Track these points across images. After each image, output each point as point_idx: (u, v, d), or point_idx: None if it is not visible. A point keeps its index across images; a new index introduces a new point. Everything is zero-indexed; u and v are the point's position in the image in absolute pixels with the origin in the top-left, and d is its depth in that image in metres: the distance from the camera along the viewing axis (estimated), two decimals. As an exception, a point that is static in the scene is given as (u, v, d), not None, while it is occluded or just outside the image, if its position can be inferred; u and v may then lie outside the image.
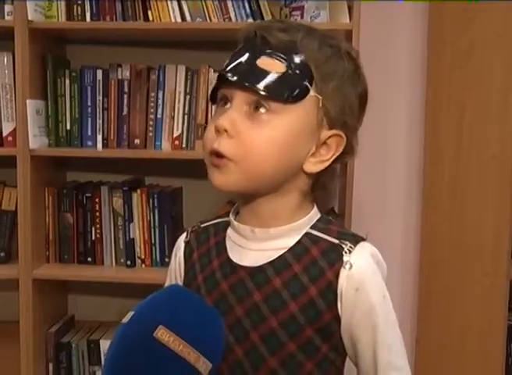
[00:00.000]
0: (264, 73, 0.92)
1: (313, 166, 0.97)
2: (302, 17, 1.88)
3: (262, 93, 0.91)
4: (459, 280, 2.00)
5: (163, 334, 0.85)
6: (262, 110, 0.92)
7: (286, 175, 0.96)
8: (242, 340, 0.95)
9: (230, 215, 1.04)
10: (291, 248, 0.96)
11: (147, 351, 0.85)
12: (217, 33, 1.90)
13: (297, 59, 0.93)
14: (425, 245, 2.10)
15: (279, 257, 0.96)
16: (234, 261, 0.99)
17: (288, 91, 0.92)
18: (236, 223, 1.02)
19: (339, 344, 0.97)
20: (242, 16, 1.90)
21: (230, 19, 1.89)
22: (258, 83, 0.91)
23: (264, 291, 0.95)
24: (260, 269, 0.96)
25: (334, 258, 0.94)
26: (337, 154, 0.97)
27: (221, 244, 1.03)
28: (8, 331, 2.03)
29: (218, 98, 0.98)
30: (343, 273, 0.93)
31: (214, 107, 1.01)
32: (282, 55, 0.93)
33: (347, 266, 0.93)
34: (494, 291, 1.92)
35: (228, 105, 0.94)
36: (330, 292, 0.94)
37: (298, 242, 0.97)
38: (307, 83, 0.93)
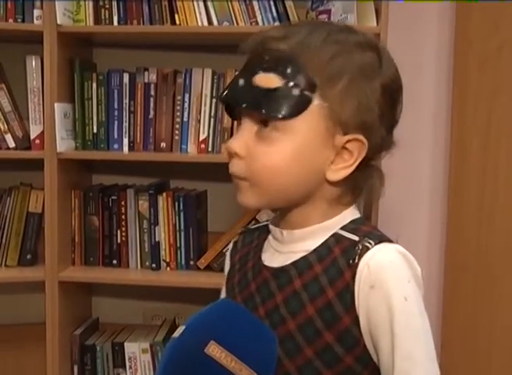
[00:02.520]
0: (261, 91, 0.89)
1: (335, 173, 0.92)
2: (329, 20, 1.87)
3: (262, 113, 0.89)
4: (486, 283, 1.98)
5: (214, 350, 0.84)
6: (269, 128, 0.90)
7: (307, 187, 0.94)
8: None
9: (269, 219, 1.05)
10: (316, 249, 0.94)
11: (198, 366, 0.84)
12: (244, 37, 1.89)
13: (293, 68, 0.89)
14: (451, 248, 2.07)
15: (302, 258, 0.94)
16: (263, 262, 0.99)
17: (287, 106, 0.88)
18: (271, 226, 1.01)
19: (364, 355, 0.90)
20: (269, 19, 1.89)
21: (257, 22, 1.89)
22: (256, 102, 0.89)
23: (285, 293, 0.93)
24: (282, 269, 0.95)
25: (352, 256, 0.89)
26: (360, 158, 0.92)
27: (259, 245, 1.03)
28: (34, 333, 2.04)
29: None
30: (359, 271, 0.88)
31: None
32: (277, 68, 0.89)
33: (363, 263, 0.88)
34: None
35: (241, 123, 0.95)
36: (348, 293, 0.88)
37: (324, 243, 0.94)
38: (308, 93, 0.89)
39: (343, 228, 0.95)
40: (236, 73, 1.92)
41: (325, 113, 0.90)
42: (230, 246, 1.12)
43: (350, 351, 0.90)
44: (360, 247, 0.89)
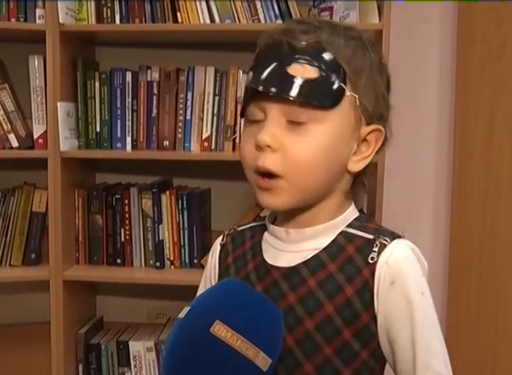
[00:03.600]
0: (298, 81, 0.89)
1: (356, 164, 0.96)
2: (331, 18, 1.87)
3: (300, 102, 0.89)
4: (490, 280, 1.98)
5: (220, 330, 0.83)
6: (302, 120, 0.90)
7: (333, 180, 0.95)
8: None
9: (267, 218, 1.03)
10: (326, 248, 0.94)
11: (204, 347, 0.83)
12: (246, 35, 1.89)
13: (327, 60, 0.91)
14: (456, 244, 2.07)
15: (313, 257, 0.94)
16: (269, 262, 0.98)
17: (325, 95, 0.90)
18: (271, 225, 1.01)
19: (377, 349, 0.93)
20: (271, 17, 1.89)
21: (259, 20, 1.89)
22: (294, 92, 0.89)
23: (299, 292, 0.93)
24: (294, 269, 0.94)
25: (369, 254, 0.91)
26: (377, 148, 0.97)
27: (257, 246, 1.02)
28: (39, 332, 2.04)
29: (248, 112, 0.95)
30: (378, 268, 0.90)
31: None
32: (312, 59, 0.90)
33: (382, 260, 0.90)
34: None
35: (261, 119, 0.92)
36: (367, 291, 0.90)
37: (333, 241, 0.95)
38: (342, 84, 0.91)
39: (349, 226, 0.96)
40: (239, 70, 1.94)
41: (354, 104, 0.93)
42: (217, 248, 1.09)
43: (366, 346, 0.92)
44: (378, 244, 0.91)
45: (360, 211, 1.04)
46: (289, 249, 0.97)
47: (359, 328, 0.91)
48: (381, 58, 0.99)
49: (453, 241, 2.08)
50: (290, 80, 0.90)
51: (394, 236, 0.93)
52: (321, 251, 0.94)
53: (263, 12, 1.89)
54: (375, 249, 0.91)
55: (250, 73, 0.94)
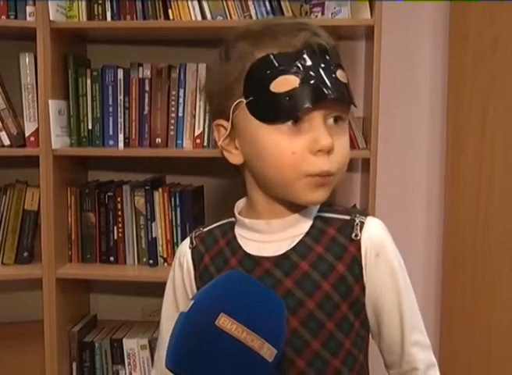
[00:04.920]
0: (345, 86, 0.96)
1: None
2: (323, 14, 1.87)
3: (353, 106, 0.97)
4: (484, 277, 1.98)
5: (225, 322, 0.83)
6: (342, 121, 0.97)
7: None
8: None
9: (236, 215, 1.06)
10: (308, 232, 1.00)
11: (209, 340, 0.84)
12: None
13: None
14: (449, 242, 2.08)
15: (299, 242, 1.00)
16: (255, 255, 1.01)
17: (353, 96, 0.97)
18: (246, 220, 1.03)
19: (366, 319, 1.02)
20: (262, 13, 1.89)
21: (251, 16, 1.89)
22: (350, 97, 0.96)
23: (295, 276, 0.98)
24: (284, 256, 0.99)
25: (351, 232, 0.99)
26: None
27: (233, 242, 1.04)
28: (32, 330, 2.03)
29: (289, 117, 0.93)
30: (364, 243, 0.99)
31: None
32: (341, 63, 0.97)
33: (365, 236, 0.99)
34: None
35: (298, 124, 0.93)
36: (356, 265, 0.98)
37: (312, 226, 1.01)
38: None
39: (320, 211, 1.02)
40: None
41: None
42: (186, 253, 1.09)
43: (358, 316, 1.00)
44: (359, 223, 1.00)
45: (354, 206, 1.07)
46: (270, 239, 1.01)
47: (353, 300, 0.99)
48: None
49: (447, 235, 2.09)
50: (341, 84, 0.95)
51: (366, 214, 1.03)
52: (304, 237, 1.00)
53: (254, 8, 1.89)
54: (357, 227, 1.00)
55: (292, 77, 0.92)
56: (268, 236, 1.01)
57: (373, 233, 1.00)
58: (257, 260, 1.00)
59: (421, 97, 2.14)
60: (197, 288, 1.06)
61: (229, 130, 0.99)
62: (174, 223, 2.02)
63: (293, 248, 0.99)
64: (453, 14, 2.04)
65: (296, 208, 1.00)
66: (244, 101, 0.95)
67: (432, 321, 2.11)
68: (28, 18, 1.90)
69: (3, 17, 1.91)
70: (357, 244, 0.99)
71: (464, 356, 2.02)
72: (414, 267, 1.01)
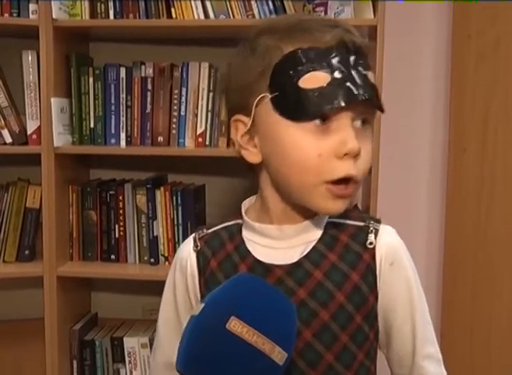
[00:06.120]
0: (375, 88, 0.91)
1: None
2: (326, 13, 1.87)
3: (382, 108, 0.92)
4: (485, 276, 1.98)
5: (235, 325, 0.82)
6: (367, 124, 0.92)
7: None
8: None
9: (245, 217, 1.02)
10: (320, 239, 0.96)
11: (220, 343, 0.83)
12: (240, 30, 1.88)
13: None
14: (450, 241, 2.08)
15: (312, 249, 0.96)
16: (265, 261, 0.96)
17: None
18: (257, 224, 0.99)
19: (378, 329, 0.98)
20: (265, 12, 1.89)
21: (254, 15, 1.89)
22: (379, 98, 0.91)
23: (308, 286, 0.94)
24: (297, 264, 0.95)
25: (365, 240, 0.96)
26: None
27: (242, 247, 1.00)
28: (33, 328, 2.03)
29: (317, 114, 0.88)
30: (378, 251, 0.96)
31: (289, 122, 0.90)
32: (370, 64, 0.93)
33: (380, 244, 0.96)
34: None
35: (325, 123, 0.89)
36: (370, 274, 0.95)
37: (324, 232, 0.97)
38: None
39: (331, 216, 0.98)
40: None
41: None
42: (191, 256, 1.03)
43: (372, 327, 0.97)
44: (374, 230, 0.97)
45: (355, 207, 1.04)
46: (281, 245, 0.97)
47: (367, 311, 0.95)
48: None
49: (448, 237, 2.08)
50: (372, 86, 0.90)
51: (379, 221, 0.99)
52: (317, 243, 0.96)
53: (257, 7, 1.89)
54: (371, 235, 0.96)
55: (323, 74, 0.88)
56: (279, 242, 0.97)
57: (388, 242, 0.97)
58: (268, 268, 0.96)
59: (424, 97, 2.14)
60: (201, 294, 1.02)
61: (249, 125, 0.93)
62: (175, 222, 2.02)
63: (306, 256, 0.95)
64: (455, 14, 2.04)
65: (310, 213, 0.96)
66: (269, 95, 0.90)
67: (433, 323, 2.11)
68: (31, 16, 1.90)
69: (6, 15, 1.91)
70: (372, 252, 0.95)
71: (465, 357, 2.02)
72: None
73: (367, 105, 0.90)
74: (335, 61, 0.88)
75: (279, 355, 0.83)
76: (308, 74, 0.88)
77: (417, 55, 2.13)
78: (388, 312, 0.97)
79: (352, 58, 0.90)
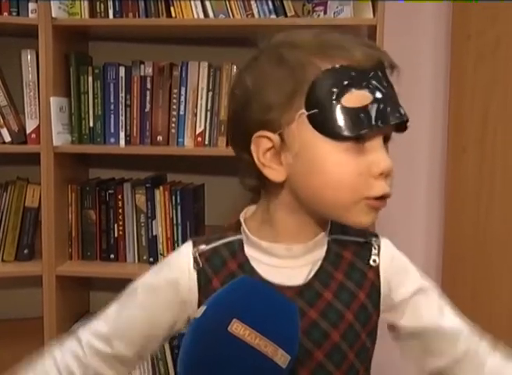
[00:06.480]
0: (403, 108, 0.91)
1: None
2: (325, 13, 1.87)
3: (406, 128, 0.93)
4: (484, 275, 1.98)
5: (238, 328, 0.81)
6: (387, 142, 0.92)
7: None
8: (305, 361, 0.91)
9: (249, 235, 0.97)
10: (325, 257, 0.94)
11: (222, 346, 0.82)
12: (240, 30, 1.89)
13: None
14: (449, 240, 2.08)
15: (320, 269, 0.94)
16: (276, 283, 0.93)
17: None
18: (264, 243, 0.95)
19: (375, 341, 0.99)
20: (265, 12, 1.89)
21: (253, 15, 1.89)
22: (408, 120, 0.91)
23: (319, 307, 0.92)
24: (307, 285, 0.93)
25: (367, 256, 0.96)
26: None
27: (247, 266, 0.95)
28: (32, 327, 2.03)
29: (358, 134, 0.87)
30: (382, 269, 0.96)
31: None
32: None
33: (384, 262, 0.96)
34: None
35: (361, 142, 0.88)
36: (375, 292, 0.96)
37: (328, 249, 0.95)
38: None
39: (331, 232, 0.96)
40: (233, 66, 1.93)
41: None
42: (190, 272, 0.96)
43: (373, 343, 0.98)
44: (376, 247, 0.97)
45: None
46: (288, 265, 0.95)
47: (371, 328, 0.96)
48: None
49: (447, 237, 2.08)
50: (401, 107, 0.91)
51: (377, 235, 0.99)
52: (323, 262, 0.94)
53: (257, 7, 1.89)
54: (375, 252, 0.97)
55: (365, 93, 0.87)
56: (285, 261, 0.94)
57: (391, 258, 0.98)
58: (278, 288, 0.91)
59: (423, 97, 2.14)
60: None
61: (277, 143, 0.89)
62: (175, 222, 2.02)
63: (316, 276, 0.93)
64: (454, 14, 2.04)
65: (318, 230, 0.94)
66: (305, 113, 0.87)
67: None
68: (30, 15, 1.90)
69: (5, 14, 1.91)
70: (376, 270, 0.96)
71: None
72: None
73: (397, 125, 0.91)
74: (376, 80, 0.88)
75: (282, 358, 0.82)
76: (352, 92, 0.86)
77: (416, 55, 2.13)
78: (417, 323, 0.99)
79: (388, 78, 0.90)
